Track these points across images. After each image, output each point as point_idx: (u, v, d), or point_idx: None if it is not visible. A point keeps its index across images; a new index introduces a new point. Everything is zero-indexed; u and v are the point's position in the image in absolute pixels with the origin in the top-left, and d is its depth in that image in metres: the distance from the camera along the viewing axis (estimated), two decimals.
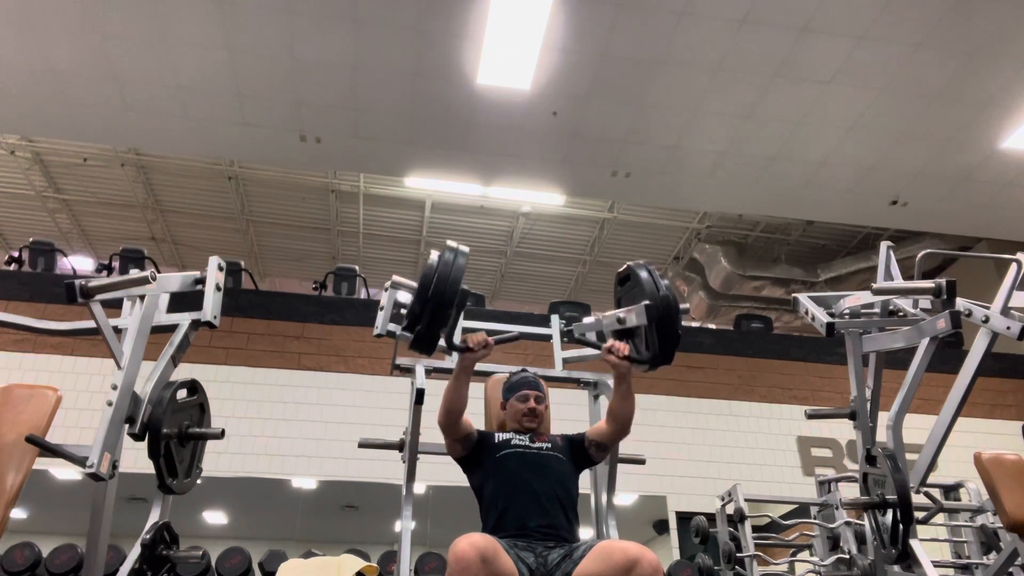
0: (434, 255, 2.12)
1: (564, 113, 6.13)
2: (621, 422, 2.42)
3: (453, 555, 1.85)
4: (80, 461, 2.12)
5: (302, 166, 8.56)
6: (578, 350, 3.20)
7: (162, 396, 2.42)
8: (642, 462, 2.88)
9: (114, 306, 2.56)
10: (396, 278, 2.38)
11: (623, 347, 2.30)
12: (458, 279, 2.04)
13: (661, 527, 6.37)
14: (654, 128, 6.34)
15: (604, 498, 2.78)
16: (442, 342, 2.23)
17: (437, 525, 5.62)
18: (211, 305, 2.64)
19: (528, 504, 2.26)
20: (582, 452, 2.50)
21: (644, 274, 2.26)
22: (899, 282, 3.12)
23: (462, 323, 3.22)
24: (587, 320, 3.27)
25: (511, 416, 2.60)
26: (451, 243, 2.15)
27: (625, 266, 2.41)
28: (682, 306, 2.28)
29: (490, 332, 2.22)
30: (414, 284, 2.11)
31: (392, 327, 2.88)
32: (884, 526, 2.76)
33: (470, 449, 2.44)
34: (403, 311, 2.86)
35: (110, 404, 2.24)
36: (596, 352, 3.07)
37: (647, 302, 2.17)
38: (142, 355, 2.41)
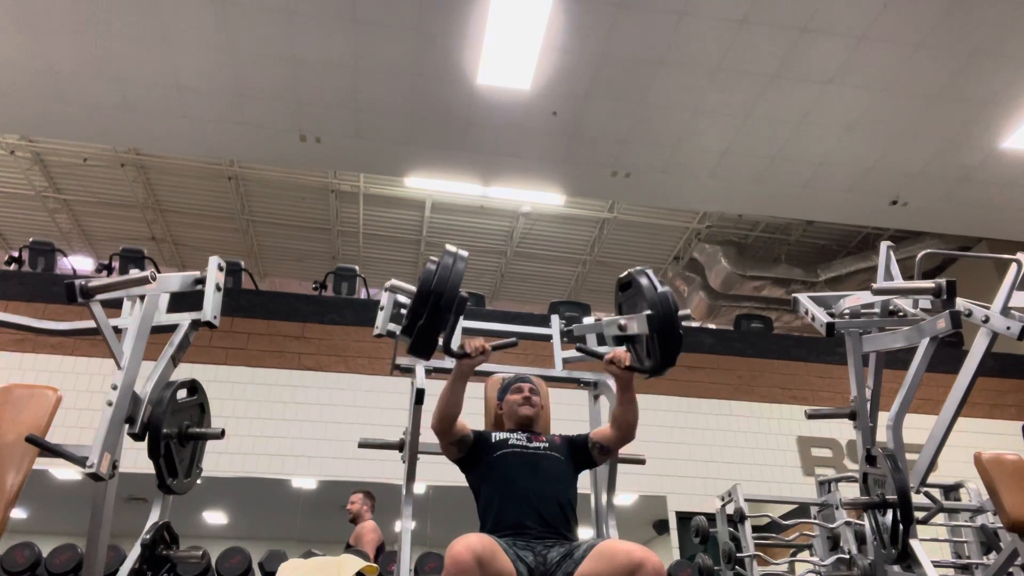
0: (433, 259, 2.11)
1: (564, 113, 6.13)
2: (625, 429, 2.41)
3: (450, 558, 1.84)
4: (80, 461, 2.12)
5: (302, 166, 8.57)
6: None
7: (162, 396, 2.42)
8: (642, 462, 2.88)
9: (114, 306, 2.56)
10: (394, 282, 2.34)
11: (625, 357, 2.28)
12: (457, 282, 2.01)
13: (661, 527, 6.37)
14: (654, 128, 6.34)
15: (604, 498, 2.78)
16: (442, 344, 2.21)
17: (437, 525, 5.63)
18: (211, 305, 2.64)
19: (525, 503, 2.26)
20: (584, 453, 2.49)
21: (644, 280, 2.22)
22: (899, 282, 3.12)
23: (462, 323, 3.22)
24: (587, 320, 3.28)
25: (508, 412, 2.62)
26: (450, 247, 2.12)
27: (626, 272, 2.40)
28: (683, 312, 2.24)
29: (489, 332, 2.21)
30: (412, 288, 2.08)
31: (392, 327, 2.89)
32: (884, 526, 2.76)
33: (466, 451, 2.43)
34: (403, 311, 2.86)
35: (110, 404, 2.24)
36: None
37: (648, 312, 2.12)
38: (142, 355, 2.41)
